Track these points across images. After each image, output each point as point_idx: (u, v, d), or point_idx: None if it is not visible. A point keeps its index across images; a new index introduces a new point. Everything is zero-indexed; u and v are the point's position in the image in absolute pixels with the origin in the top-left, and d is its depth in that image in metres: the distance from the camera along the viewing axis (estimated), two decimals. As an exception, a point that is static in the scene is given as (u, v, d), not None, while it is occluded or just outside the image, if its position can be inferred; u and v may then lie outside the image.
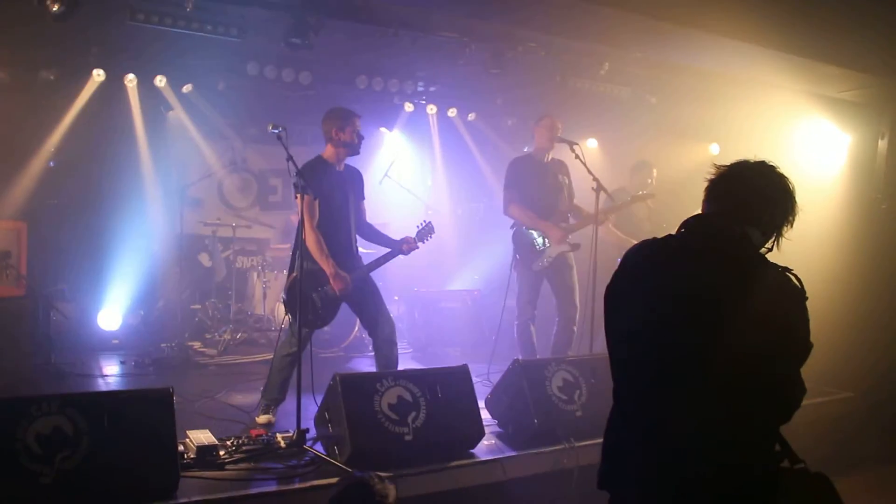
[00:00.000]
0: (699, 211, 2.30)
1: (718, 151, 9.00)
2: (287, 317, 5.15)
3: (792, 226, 2.26)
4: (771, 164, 2.26)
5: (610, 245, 6.74)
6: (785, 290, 2.05)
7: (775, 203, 2.20)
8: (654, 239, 2.23)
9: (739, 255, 2.10)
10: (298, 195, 4.67)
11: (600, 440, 4.46)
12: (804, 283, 2.09)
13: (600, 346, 6.15)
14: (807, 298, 2.06)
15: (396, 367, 5.20)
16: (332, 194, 5.06)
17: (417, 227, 5.47)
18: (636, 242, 2.49)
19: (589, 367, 5.05)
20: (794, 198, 2.23)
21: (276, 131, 4.70)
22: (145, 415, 3.69)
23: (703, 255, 2.11)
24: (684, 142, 8.94)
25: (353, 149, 5.16)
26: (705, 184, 2.31)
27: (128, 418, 3.62)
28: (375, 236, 5.47)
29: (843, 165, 7.62)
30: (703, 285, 2.05)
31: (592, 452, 4.64)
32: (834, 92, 7.27)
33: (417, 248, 5.38)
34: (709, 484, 2.00)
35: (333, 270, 4.95)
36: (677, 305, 2.06)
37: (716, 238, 2.14)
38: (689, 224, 2.22)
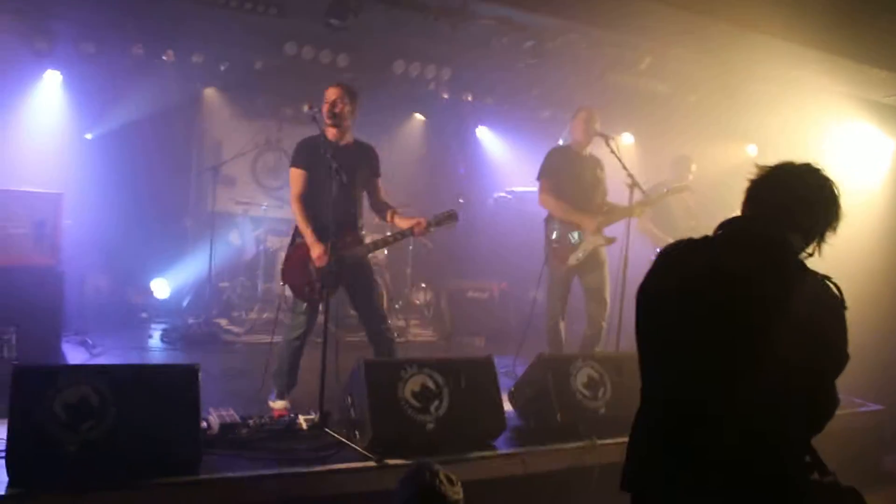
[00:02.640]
0: (737, 211, 2.24)
1: (756, 153, 8.86)
2: (285, 290, 5.16)
3: (836, 231, 2.19)
4: (816, 166, 2.17)
5: (645, 242, 6.66)
6: (824, 299, 1.99)
7: (818, 208, 2.13)
8: (691, 239, 2.16)
9: (778, 260, 2.03)
10: None
11: (624, 439, 4.39)
12: (843, 292, 2.03)
13: (627, 343, 6.08)
14: (846, 308, 1.99)
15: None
16: (319, 168, 4.87)
17: (437, 214, 5.15)
18: (671, 240, 2.43)
19: (614, 364, 4.99)
20: (838, 203, 2.15)
21: (312, 112, 4.72)
22: (171, 389, 3.71)
23: (742, 259, 2.05)
24: (722, 141, 8.81)
25: (332, 121, 4.94)
26: (746, 184, 2.24)
27: (154, 392, 3.65)
28: (388, 215, 5.22)
29: (888, 171, 7.46)
30: (741, 290, 1.99)
31: (615, 451, 4.59)
32: (879, 96, 7.10)
33: (430, 231, 5.07)
34: (738, 494, 1.96)
35: (311, 239, 4.88)
36: (712, 309, 2.00)
37: (755, 241, 2.08)
38: (728, 225, 2.15)
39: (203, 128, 8.60)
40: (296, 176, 5.00)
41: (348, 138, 5.08)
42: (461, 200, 9.70)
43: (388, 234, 5.20)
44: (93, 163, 7.81)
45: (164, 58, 7.58)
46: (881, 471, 5.94)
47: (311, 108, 4.76)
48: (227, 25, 6.92)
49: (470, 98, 8.90)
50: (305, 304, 5.02)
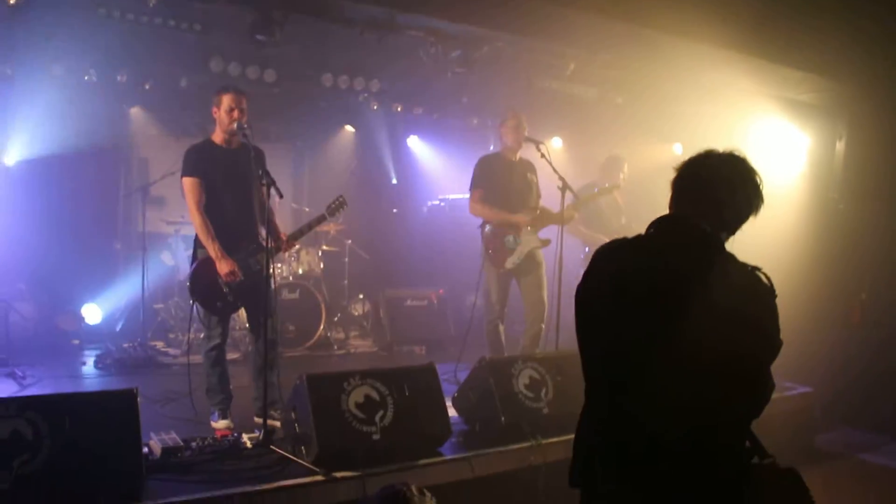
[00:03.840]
0: (665, 208, 2.31)
1: (682, 151, 9.14)
2: (195, 306, 5.00)
3: (757, 215, 2.27)
4: (739, 155, 2.22)
5: (578, 243, 6.77)
6: (754, 289, 2.08)
7: (744, 201, 2.19)
8: (624, 239, 2.23)
9: (707, 254, 2.12)
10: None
11: (567, 437, 4.44)
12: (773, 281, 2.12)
13: (567, 343, 6.20)
14: (776, 296, 2.09)
15: (273, 369, 4.93)
16: (215, 174, 4.86)
17: (328, 204, 5.25)
18: (605, 239, 2.49)
19: (555, 364, 5.08)
20: (760, 193, 2.21)
21: (243, 129, 4.70)
22: (109, 417, 3.62)
23: (672, 256, 2.13)
24: (649, 142, 9.05)
25: (224, 126, 4.87)
26: (672, 175, 2.29)
27: (90, 421, 3.55)
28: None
29: (803, 166, 7.78)
30: (671, 286, 2.07)
31: (560, 449, 4.68)
32: (794, 94, 7.42)
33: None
34: (682, 482, 2.03)
35: (217, 254, 4.77)
36: (645, 306, 2.07)
37: (683, 238, 2.16)
38: (659, 224, 2.23)
39: (129, 148, 8.41)
40: (192, 185, 4.81)
41: (236, 141, 4.97)
42: (395, 210, 9.75)
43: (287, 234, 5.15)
44: (15, 187, 7.57)
45: (85, 78, 7.39)
46: (814, 450, 6.18)
47: (241, 126, 4.76)
48: (151, 43, 6.80)
49: (399, 108, 8.94)
50: (215, 317, 4.94)
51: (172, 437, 4.17)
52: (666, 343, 2.01)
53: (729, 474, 2.06)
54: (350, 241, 8.68)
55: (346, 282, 8.68)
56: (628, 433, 2.07)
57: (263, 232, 5.09)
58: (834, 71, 6.70)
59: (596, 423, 2.19)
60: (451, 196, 9.60)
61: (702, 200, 2.19)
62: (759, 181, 2.23)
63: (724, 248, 2.17)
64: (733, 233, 2.25)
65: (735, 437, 2.11)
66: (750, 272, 2.10)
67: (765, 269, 2.13)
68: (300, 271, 7.92)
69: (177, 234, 8.37)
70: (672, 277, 2.08)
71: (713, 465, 2.05)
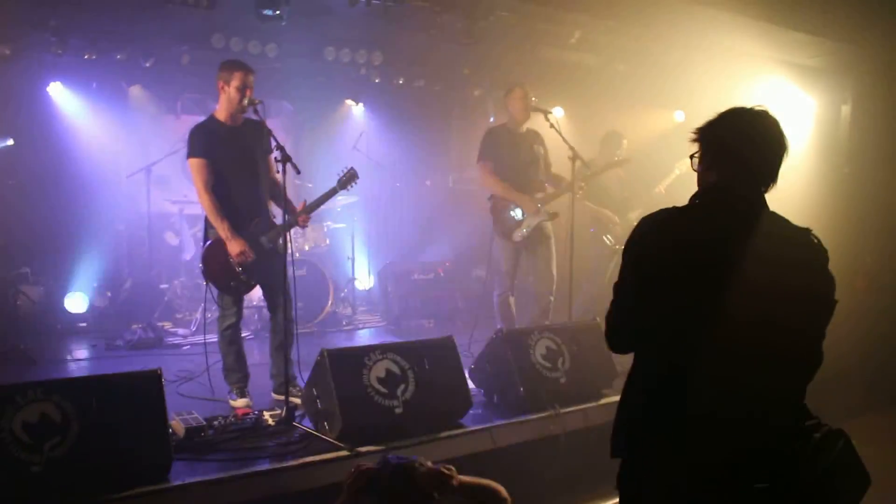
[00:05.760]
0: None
1: (684, 118, 9.11)
2: (208, 287, 4.99)
3: None
4: (771, 113, 2.18)
5: (584, 217, 6.74)
6: (809, 257, 2.08)
7: (779, 161, 2.17)
8: (674, 208, 2.18)
9: (760, 226, 2.09)
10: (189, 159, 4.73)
11: (585, 405, 4.48)
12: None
13: (579, 313, 6.22)
14: (828, 259, 2.09)
15: (289, 349, 4.92)
16: (222, 153, 4.80)
17: (338, 174, 5.11)
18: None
19: (570, 334, 5.10)
20: (788, 150, 2.19)
21: (255, 105, 4.66)
22: (134, 398, 3.64)
23: (727, 228, 2.10)
24: (650, 109, 9.02)
25: (234, 103, 4.78)
26: (694, 136, 2.23)
27: (116, 402, 3.57)
28: (276, 196, 5.04)
29: (809, 131, 7.76)
30: (730, 258, 2.04)
31: (578, 418, 4.74)
32: (799, 58, 7.37)
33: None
34: (737, 451, 2.02)
35: (227, 234, 4.73)
36: (704, 279, 2.04)
37: (736, 210, 2.13)
38: (706, 195, 2.19)
39: (129, 127, 8.33)
40: (199, 166, 4.75)
41: (241, 118, 4.93)
42: (398, 185, 9.70)
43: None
44: (16, 170, 7.50)
45: (85, 57, 7.29)
46: (824, 410, 6.21)
47: (251, 102, 4.72)
48: (154, 20, 6.70)
49: (401, 81, 8.85)
50: (229, 297, 4.94)
51: (195, 417, 4.18)
52: (723, 317, 1.99)
53: (783, 442, 2.05)
54: (355, 217, 8.65)
55: (352, 257, 8.67)
56: (682, 405, 2.04)
57: (274, 209, 5.09)
58: (840, 34, 6.64)
59: (645, 393, 2.16)
60: (453, 170, 9.56)
61: (746, 164, 2.15)
62: (787, 141, 2.20)
63: (772, 215, 2.15)
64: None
65: (788, 407, 2.11)
66: (804, 235, 2.10)
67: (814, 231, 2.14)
68: (307, 247, 7.89)
69: (181, 214, 8.34)
70: (727, 250, 2.05)
71: (769, 436, 2.05)
